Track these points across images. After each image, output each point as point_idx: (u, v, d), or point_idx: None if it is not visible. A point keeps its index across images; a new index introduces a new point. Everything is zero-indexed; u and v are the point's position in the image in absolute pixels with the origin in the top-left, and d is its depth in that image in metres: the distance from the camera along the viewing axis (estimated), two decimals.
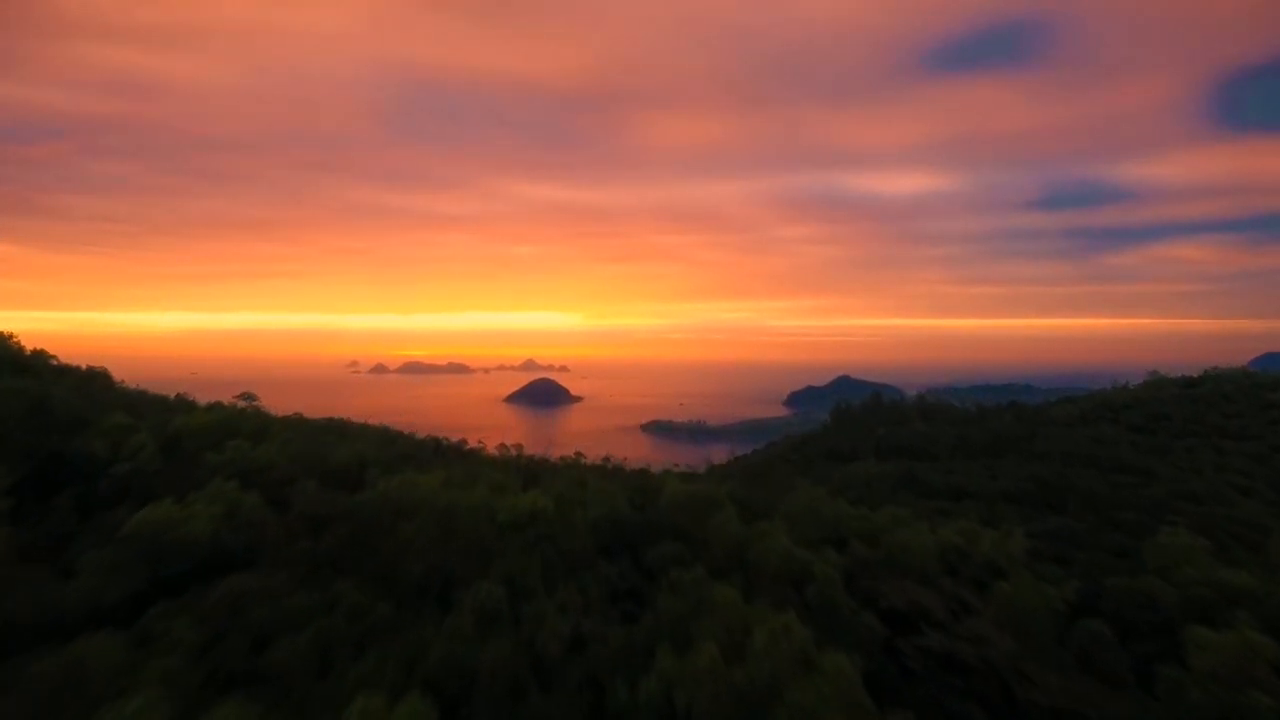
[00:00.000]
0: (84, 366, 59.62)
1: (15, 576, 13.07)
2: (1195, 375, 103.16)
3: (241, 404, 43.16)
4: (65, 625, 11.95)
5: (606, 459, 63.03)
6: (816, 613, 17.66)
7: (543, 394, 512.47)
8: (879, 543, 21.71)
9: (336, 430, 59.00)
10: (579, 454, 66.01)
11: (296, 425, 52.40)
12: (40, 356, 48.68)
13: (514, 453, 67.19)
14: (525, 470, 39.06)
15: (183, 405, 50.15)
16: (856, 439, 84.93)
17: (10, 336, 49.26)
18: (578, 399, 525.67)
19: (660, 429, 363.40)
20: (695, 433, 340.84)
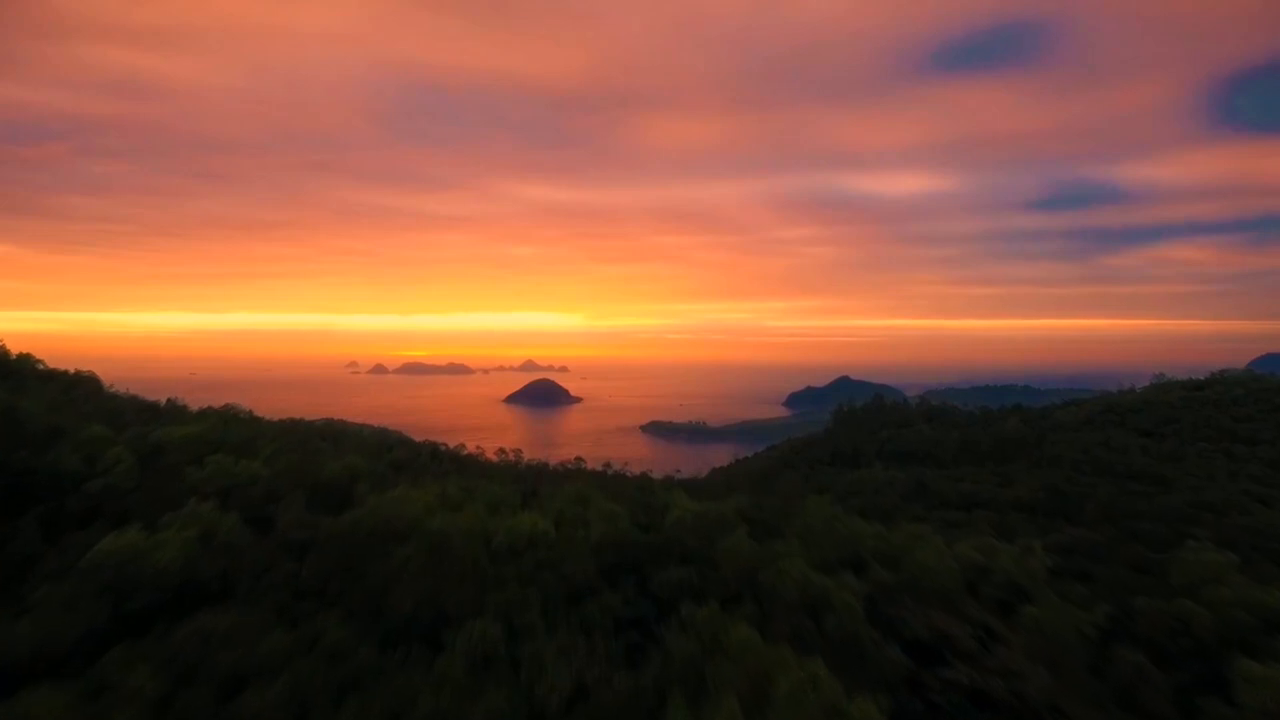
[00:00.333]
0: (72, 371, 58.53)
1: None
2: (1201, 377, 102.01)
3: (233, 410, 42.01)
4: (11, 673, 10.74)
5: (607, 465, 61.84)
6: (837, 646, 16.46)
7: (542, 394, 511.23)
8: (899, 564, 20.47)
9: (333, 434, 57.81)
10: (579, 459, 64.83)
11: (290, 430, 51.22)
12: (26, 360, 47.48)
13: (513, 458, 65.96)
14: (524, 480, 37.89)
15: (173, 412, 48.94)
16: (859, 442, 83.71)
17: None
18: (577, 400, 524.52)
19: (660, 430, 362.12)
20: (695, 433, 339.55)
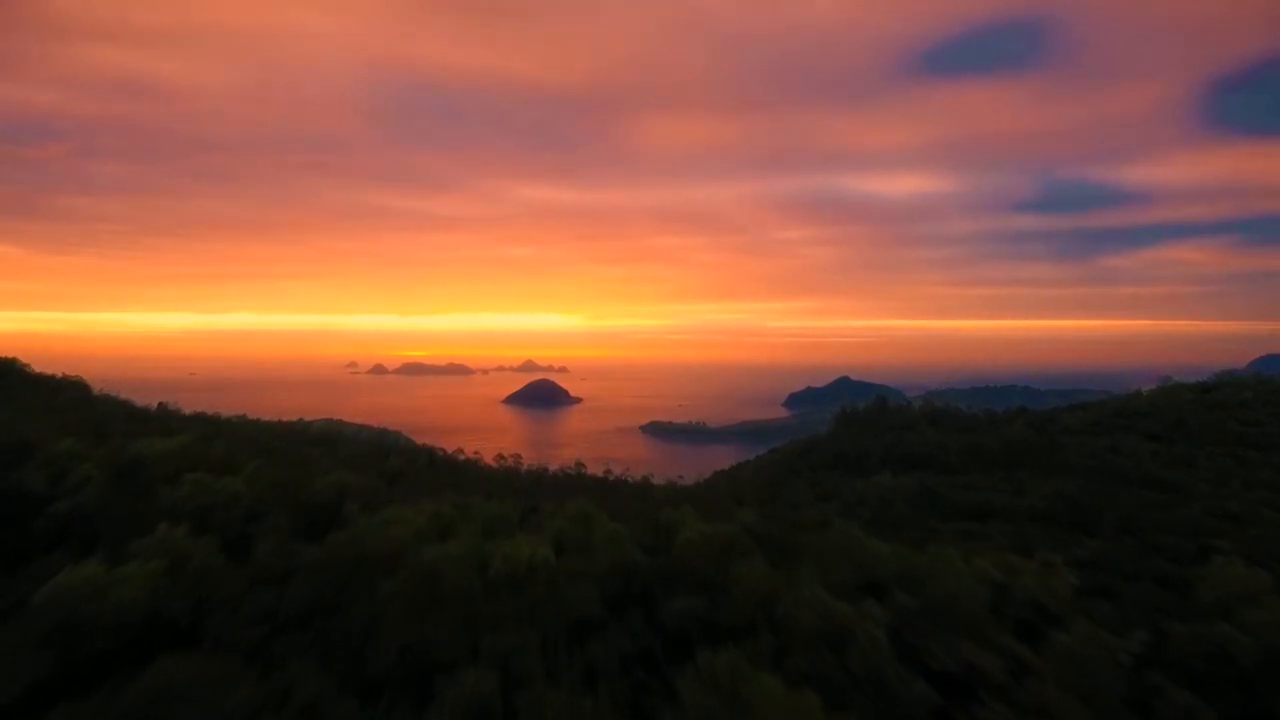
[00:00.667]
0: (60, 375, 57.19)
1: None
2: (1208, 380, 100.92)
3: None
4: None
5: (608, 471, 60.66)
6: (861, 683, 15.22)
7: (542, 395, 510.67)
8: (922, 588, 19.21)
9: (328, 439, 56.54)
10: (579, 465, 63.64)
11: (283, 434, 49.94)
12: (12, 365, 46.26)
13: (512, 463, 64.71)
14: (523, 491, 36.67)
15: (163, 418, 47.65)
16: (863, 446, 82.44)
17: None
18: (577, 400, 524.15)
19: (660, 430, 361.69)
20: (695, 434, 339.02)
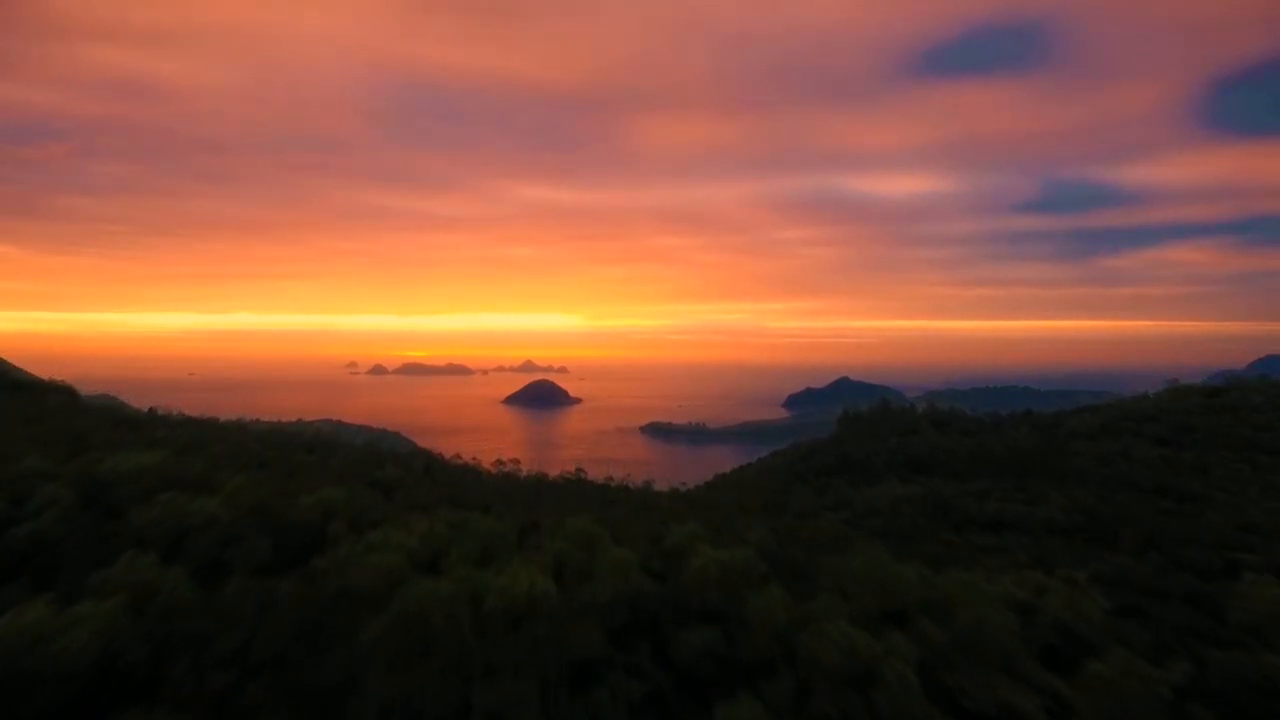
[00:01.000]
0: (48, 379, 55.78)
1: None
2: (1210, 380, 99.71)
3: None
4: None
5: (609, 478, 59.29)
6: None
7: (542, 395, 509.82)
8: (950, 617, 17.86)
9: (322, 444, 55.05)
10: (580, 471, 62.31)
11: (275, 441, 48.47)
12: None
13: (511, 468, 63.32)
14: (521, 501, 35.32)
15: (153, 424, 46.23)
16: (867, 450, 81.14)
17: None
18: (577, 400, 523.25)
19: (660, 431, 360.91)
20: (695, 435, 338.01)
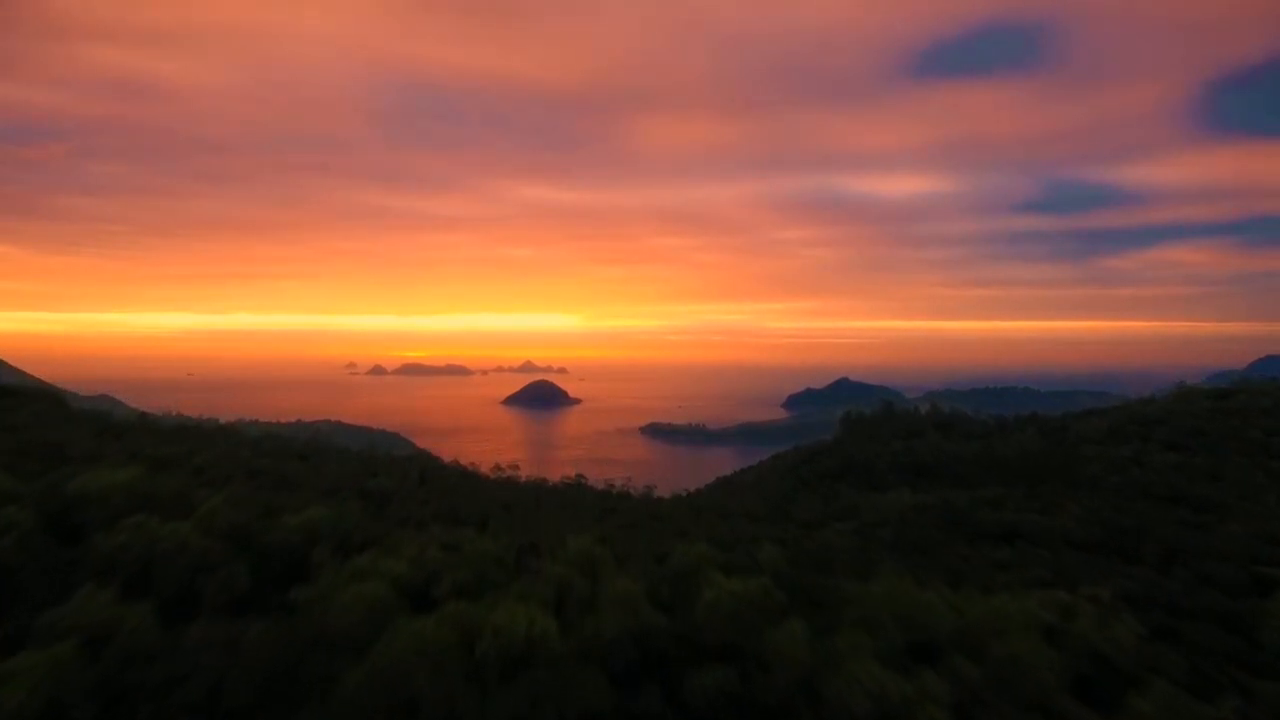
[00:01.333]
0: (37, 382, 54.36)
1: None
2: (1216, 383, 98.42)
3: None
4: None
5: (610, 484, 58.04)
6: None
7: (541, 396, 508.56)
8: (982, 652, 16.54)
9: (315, 450, 53.69)
10: (580, 476, 61.05)
11: (265, 447, 47.13)
12: None
13: (509, 473, 61.96)
14: (519, 513, 33.98)
15: (141, 431, 44.87)
16: (870, 454, 79.79)
17: None
18: (576, 401, 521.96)
19: (660, 431, 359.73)
20: (695, 435, 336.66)
